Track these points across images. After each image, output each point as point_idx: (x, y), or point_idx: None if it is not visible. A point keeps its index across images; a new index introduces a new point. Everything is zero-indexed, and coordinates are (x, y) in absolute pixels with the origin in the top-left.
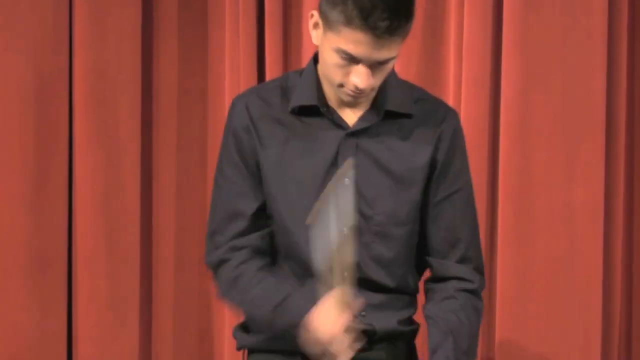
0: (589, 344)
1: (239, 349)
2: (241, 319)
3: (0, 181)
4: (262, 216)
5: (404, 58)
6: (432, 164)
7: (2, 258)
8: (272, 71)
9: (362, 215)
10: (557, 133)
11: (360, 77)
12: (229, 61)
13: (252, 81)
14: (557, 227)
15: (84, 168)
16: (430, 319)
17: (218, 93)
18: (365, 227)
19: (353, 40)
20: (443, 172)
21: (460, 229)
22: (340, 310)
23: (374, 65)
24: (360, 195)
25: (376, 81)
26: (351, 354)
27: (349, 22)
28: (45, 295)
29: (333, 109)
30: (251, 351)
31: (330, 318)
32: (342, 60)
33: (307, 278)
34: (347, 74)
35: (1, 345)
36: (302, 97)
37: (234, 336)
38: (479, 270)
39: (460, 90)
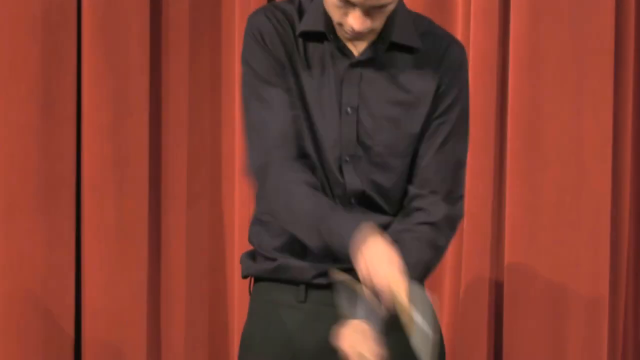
0: (597, 273)
1: (244, 276)
2: (249, 247)
3: (9, 109)
4: (298, 125)
5: None
6: (435, 97)
7: (10, 187)
8: None
9: (362, 145)
10: (566, 63)
11: (356, 21)
12: None
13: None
14: (566, 156)
15: (92, 96)
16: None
17: (229, 20)
18: (365, 157)
19: None
20: (438, 103)
21: (439, 161)
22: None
23: (371, 10)
24: (361, 125)
25: (375, 23)
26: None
27: None
28: (53, 225)
29: (340, 37)
30: (257, 279)
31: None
32: (339, 2)
33: None
34: (345, 15)
35: (9, 274)
36: (310, 22)
37: (241, 264)
38: (449, 198)
39: (469, 21)
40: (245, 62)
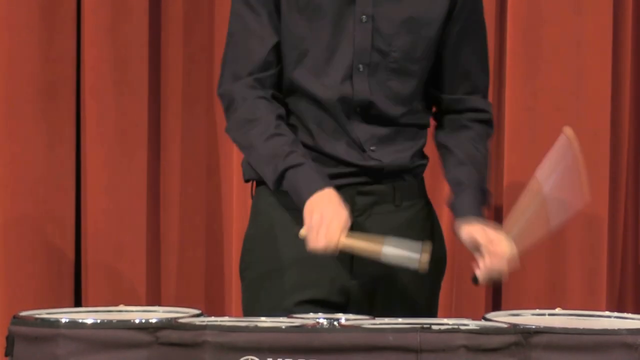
0: (597, 173)
1: (246, 180)
2: None
3: (9, 12)
4: (278, 53)
5: None
6: (452, 1)
7: (11, 90)
8: None
9: (379, 51)
10: None
11: None
12: None
13: None
14: (566, 58)
15: None
16: (444, 148)
17: None
18: (382, 63)
19: None
20: (461, 9)
21: (471, 61)
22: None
23: None
24: (377, 32)
25: None
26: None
27: None
28: (54, 124)
29: None
30: (259, 183)
31: (330, 212)
32: None
33: (313, 115)
34: None
35: (10, 176)
36: None
37: (243, 167)
38: (486, 95)
39: None
40: None
